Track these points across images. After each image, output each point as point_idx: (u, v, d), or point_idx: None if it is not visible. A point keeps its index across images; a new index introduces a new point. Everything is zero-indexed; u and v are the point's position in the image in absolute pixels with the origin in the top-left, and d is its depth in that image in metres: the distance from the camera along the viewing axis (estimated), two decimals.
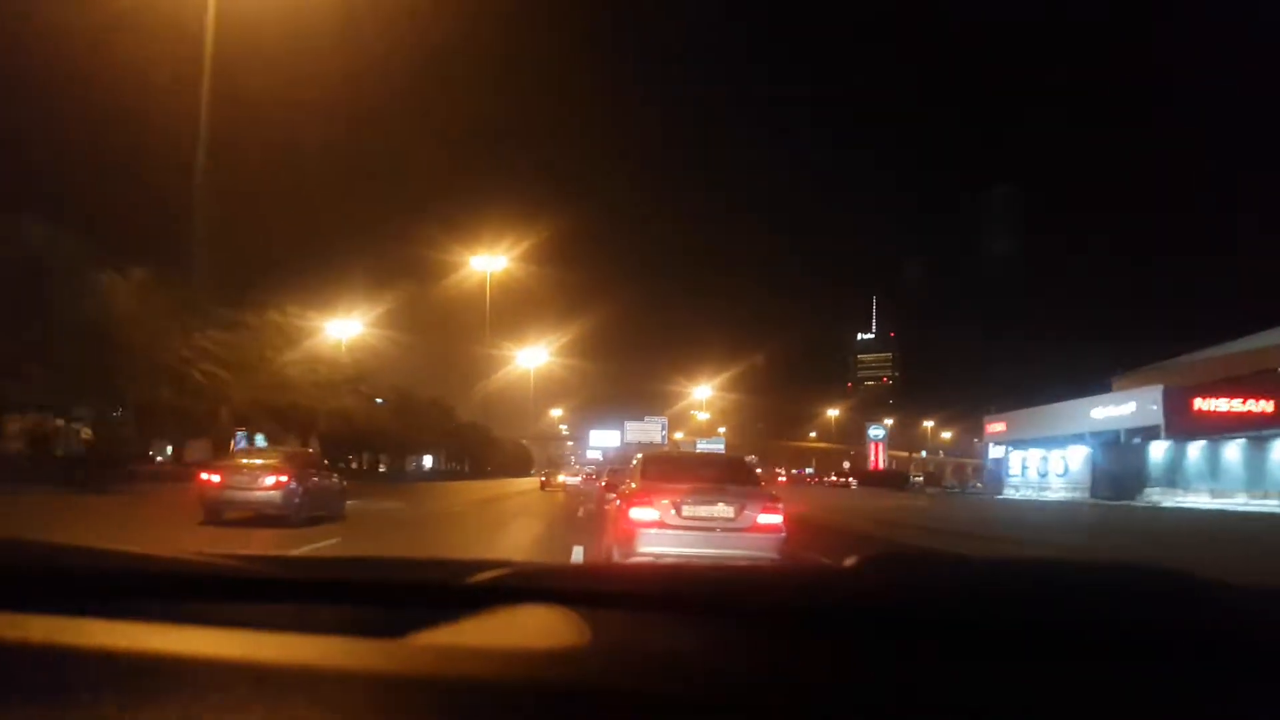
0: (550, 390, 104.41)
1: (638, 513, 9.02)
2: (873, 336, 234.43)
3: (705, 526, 8.92)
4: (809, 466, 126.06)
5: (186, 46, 29.43)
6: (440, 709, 0.88)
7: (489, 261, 58.68)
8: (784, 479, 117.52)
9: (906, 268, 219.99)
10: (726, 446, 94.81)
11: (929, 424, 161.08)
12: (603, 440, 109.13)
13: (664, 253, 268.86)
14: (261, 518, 14.46)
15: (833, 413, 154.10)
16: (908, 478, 56.21)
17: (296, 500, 14.87)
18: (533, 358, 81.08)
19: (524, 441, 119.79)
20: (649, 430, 77.49)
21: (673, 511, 8.92)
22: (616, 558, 9.32)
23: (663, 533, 8.86)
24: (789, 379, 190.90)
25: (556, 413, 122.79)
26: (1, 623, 1.08)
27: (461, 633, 1.13)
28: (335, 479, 17.91)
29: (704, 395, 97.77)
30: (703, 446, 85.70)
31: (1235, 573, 1.28)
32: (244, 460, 16.35)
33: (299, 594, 1.33)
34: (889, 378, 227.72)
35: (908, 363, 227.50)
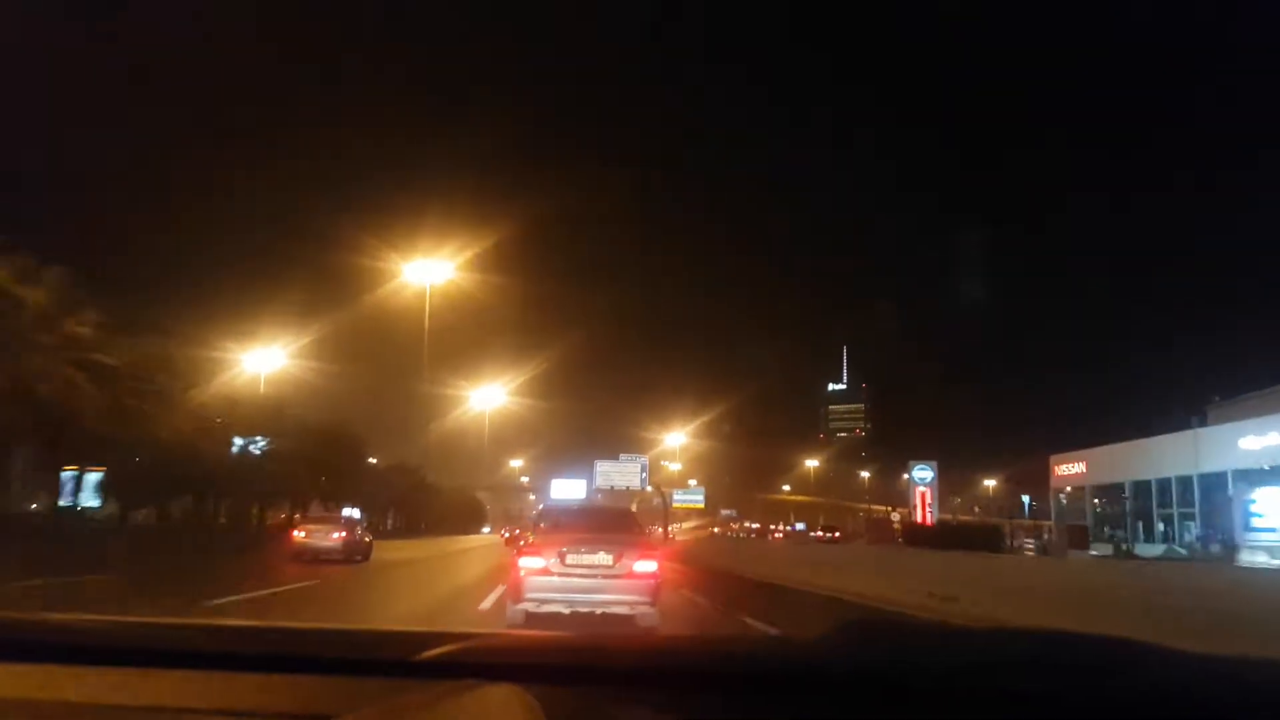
0: (511, 437, 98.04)
1: (526, 561, 9.97)
2: (844, 387, 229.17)
3: (588, 574, 9.77)
4: (799, 521, 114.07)
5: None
6: None
7: (429, 271, 47.75)
8: (780, 535, 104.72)
9: (878, 316, 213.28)
10: (705, 499, 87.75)
11: (908, 476, 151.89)
12: (566, 491, 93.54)
13: (632, 294, 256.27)
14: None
15: (811, 463, 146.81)
16: (1001, 535, 41.56)
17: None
18: (488, 398, 72.69)
19: (480, 493, 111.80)
20: (625, 473, 62.56)
21: (556, 560, 9.83)
22: (509, 604, 10.33)
23: (548, 579, 9.77)
24: (762, 429, 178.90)
25: (517, 463, 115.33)
26: None
27: (407, 714, 1.12)
28: (367, 536, 26.98)
29: (677, 442, 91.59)
30: (680, 499, 76.50)
31: None
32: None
33: (240, 665, 1.30)
34: (861, 429, 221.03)
35: (880, 413, 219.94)
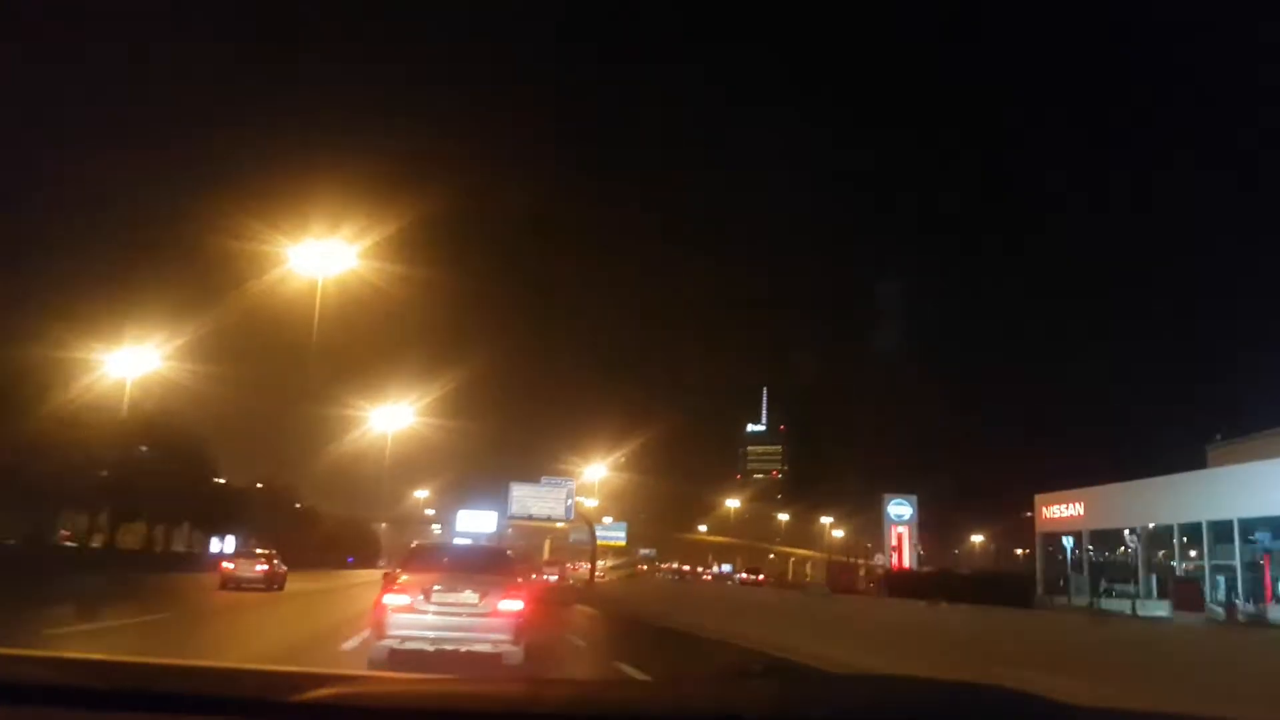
0: (417, 466, 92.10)
1: (391, 598, 9.91)
2: (763, 428, 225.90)
3: (453, 612, 9.85)
4: (724, 563, 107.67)
5: None
6: None
7: (322, 258, 39.21)
8: (708, 576, 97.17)
9: (796, 359, 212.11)
10: (628, 537, 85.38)
11: (826, 520, 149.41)
12: (474, 523, 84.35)
13: (551, 317, 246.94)
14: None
15: (732, 503, 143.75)
16: (1031, 586, 33.93)
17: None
18: (391, 419, 64.24)
19: (382, 526, 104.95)
20: (546, 500, 53.44)
21: (421, 597, 9.88)
22: (372, 641, 10.12)
23: (412, 617, 9.78)
24: (680, 467, 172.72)
25: (422, 494, 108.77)
26: None
27: None
28: (282, 567, 29.88)
29: (596, 475, 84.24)
30: (600, 535, 70.25)
31: None
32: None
33: (90, 702, 1.27)
34: (779, 471, 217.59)
35: (797, 456, 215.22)
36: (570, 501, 53.18)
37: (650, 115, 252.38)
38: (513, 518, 54.41)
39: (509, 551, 17.12)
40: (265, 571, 27.53)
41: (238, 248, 38.06)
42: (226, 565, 28.49)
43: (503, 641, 9.79)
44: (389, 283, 41.23)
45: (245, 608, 20.72)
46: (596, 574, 50.98)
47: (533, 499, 54.27)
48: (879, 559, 46.39)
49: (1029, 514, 47.78)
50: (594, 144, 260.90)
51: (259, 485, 57.56)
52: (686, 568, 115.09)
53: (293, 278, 37.56)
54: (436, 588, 9.91)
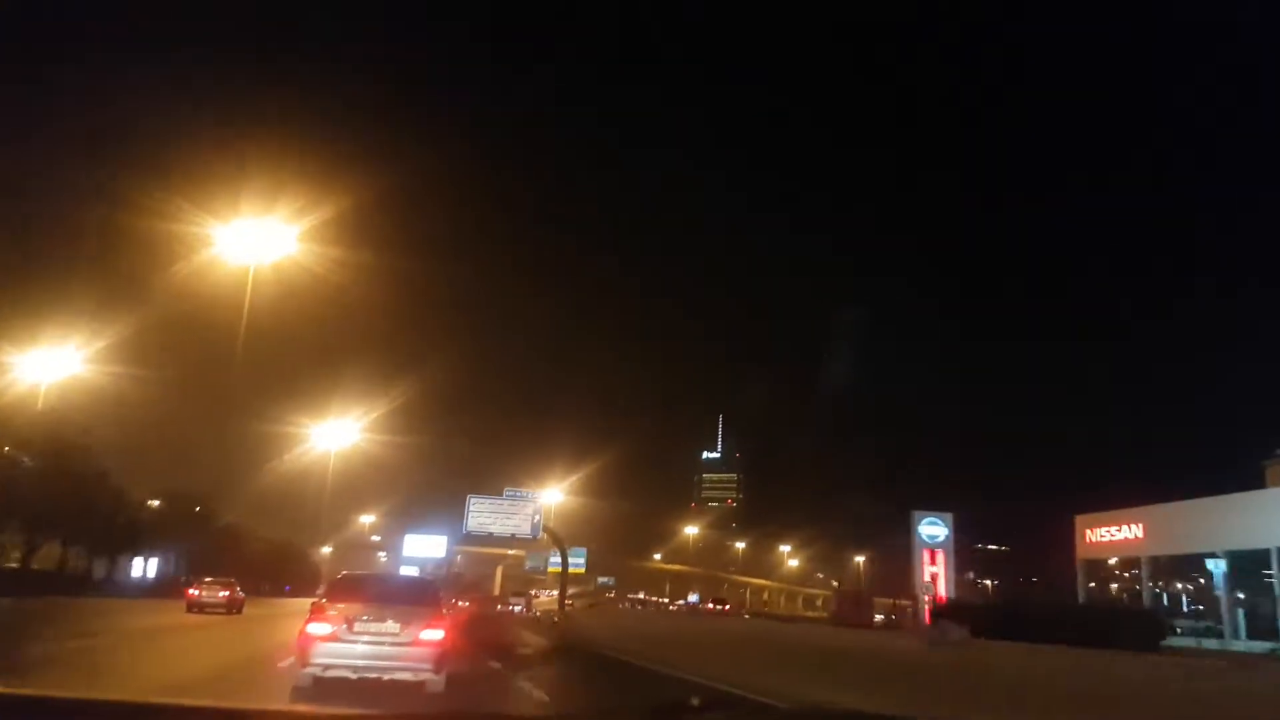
0: (363, 489, 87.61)
1: (314, 627, 10.36)
2: (719, 456, 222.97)
3: (375, 641, 10.26)
4: (692, 594, 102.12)
5: None
6: None
7: (256, 243, 34.92)
8: (674, 608, 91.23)
9: (751, 387, 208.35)
10: (587, 565, 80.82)
11: (785, 548, 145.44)
12: (422, 548, 76.65)
13: (504, 333, 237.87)
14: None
15: (691, 530, 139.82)
16: (1159, 620, 27.46)
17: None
18: (334, 437, 60.27)
19: (324, 551, 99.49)
20: (509, 516, 46.40)
21: (345, 626, 10.30)
22: (297, 668, 10.48)
23: (335, 645, 10.22)
24: (636, 493, 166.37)
25: (368, 519, 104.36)
26: None
27: None
28: (240, 593, 33.53)
29: (552, 500, 78.02)
30: (556, 562, 66.08)
31: None
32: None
33: None
34: (734, 499, 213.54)
35: (752, 483, 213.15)
36: (537, 519, 46.44)
37: (609, 137, 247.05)
38: (469, 535, 47.31)
39: (437, 581, 17.65)
40: (226, 597, 31.78)
41: (162, 229, 32.24)
42: (192, 592, 32.70)
43: (424, 670, 10.29)
44: (330, 269, 35.66)
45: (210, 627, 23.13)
46: (570, 603, 44.29)
47: (493, 515, 47.40)
48: (923, 588, 39.92)
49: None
50: (551, 174, 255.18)
51: (154, 503, 50.57)
52: (654, 598, 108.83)
53: (223, 265, 33.90)
54: (361, 617, 10.36)
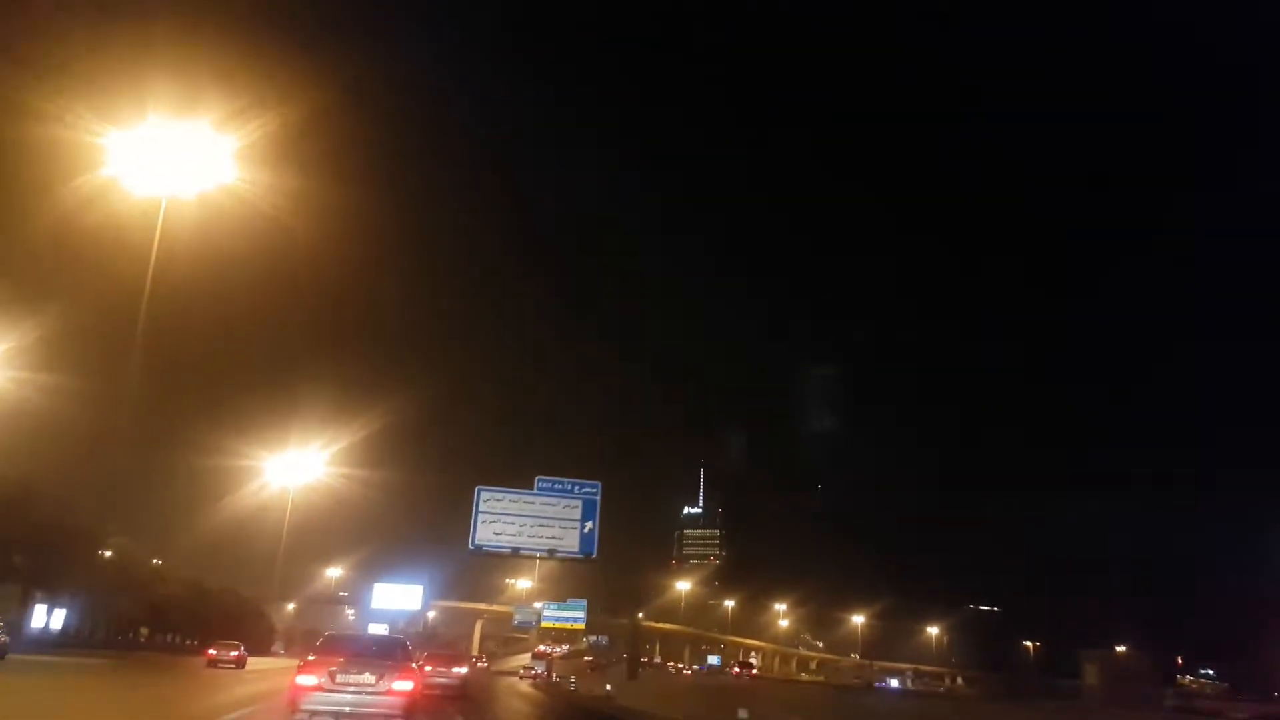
0: (328, 540, 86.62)
1: (303, 678, 12.78)
2: (700, 511, 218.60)
3: (354, 690, 12.63)
4: (712, 656, 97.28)
5: None
6: None
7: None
8: (689, 672, 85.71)
9: (731, 442, 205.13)
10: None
11: (780, 607, 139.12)
12: (393, 599, 71.10)
13: (479, 375, 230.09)
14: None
15: (683, 585, 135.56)
16: None
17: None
18: (295, 471, 56.30)
19: (288, 606, 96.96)
20: (547, 519, 31.43)
21: (328, 678, 12.70)
22: (289, 712, 12.87)
23: (320, 694, 12.59)
24: (615, 549, 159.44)
25: (335, 573, 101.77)
26: None
27: None
28: (245, 654, 43.89)
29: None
30: (552, 616, 58.48)
31: None
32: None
33: None
34: (716, 556, 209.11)
35: (735, 540, 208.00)
36: (590, 528, 31.50)
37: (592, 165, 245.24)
38: (479, 548, 31.09)
39: (407, 639, 20.17)
40: (236, 657, 41.83)
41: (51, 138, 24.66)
42: (211, 652, 42.67)
43: (395, 716, 12.75)
44: (272, 201, 28.02)
45: None
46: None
47: (518, 521, 31.38)
48: None
49: None
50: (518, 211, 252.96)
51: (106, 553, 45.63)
52: (670, 663, 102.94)
53: (127, 193, 24.35)
54: (340, 670, 12.81)
